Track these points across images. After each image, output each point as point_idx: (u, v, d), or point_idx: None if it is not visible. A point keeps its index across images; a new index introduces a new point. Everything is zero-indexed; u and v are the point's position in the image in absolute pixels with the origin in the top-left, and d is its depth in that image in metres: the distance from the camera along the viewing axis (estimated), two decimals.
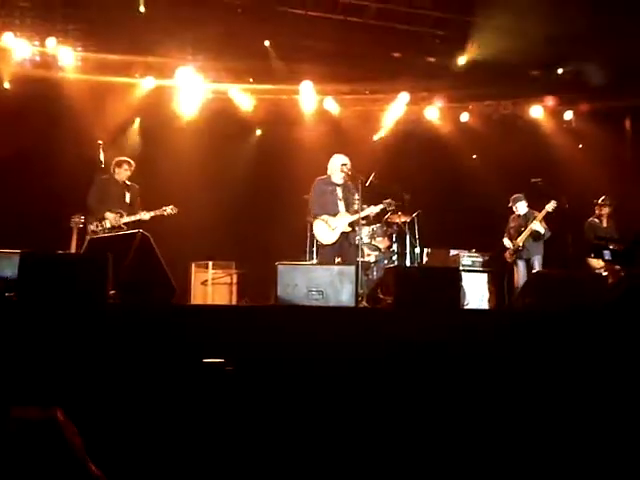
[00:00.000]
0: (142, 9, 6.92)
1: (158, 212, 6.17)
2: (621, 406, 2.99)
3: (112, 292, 3.97)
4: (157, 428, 2.77)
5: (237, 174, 8.27)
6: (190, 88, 8.09)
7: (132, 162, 6.40)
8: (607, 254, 3.69)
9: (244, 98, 8.45)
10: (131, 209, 6.21)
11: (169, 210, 6.20)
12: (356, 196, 6.34)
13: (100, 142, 6.11)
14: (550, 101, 8.93)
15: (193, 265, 7.64)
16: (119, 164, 6.33)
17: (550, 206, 7.09)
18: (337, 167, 6.15)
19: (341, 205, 6.17)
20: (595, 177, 8.21)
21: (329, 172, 6.23)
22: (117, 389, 2.95)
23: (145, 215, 6.13)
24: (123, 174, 6.31)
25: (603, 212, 7.29)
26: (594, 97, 8.51)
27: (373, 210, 6.21)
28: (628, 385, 2.87)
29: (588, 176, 8.28)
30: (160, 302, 4.17)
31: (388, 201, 6.30)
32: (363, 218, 6.14)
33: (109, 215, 6.06)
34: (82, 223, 6.00)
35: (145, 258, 4.38)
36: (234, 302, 7.45)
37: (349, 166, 6.14)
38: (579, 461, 2.94)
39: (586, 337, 3.28)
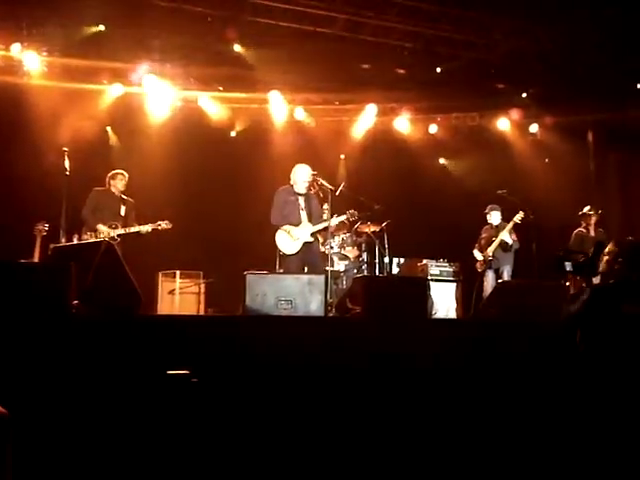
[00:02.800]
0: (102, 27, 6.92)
1: (154, 226, 6.23)
2: (584, 413, 3.05)
3: (76, 302, 3.89)
4: (119, 440, 2.71)
5: (206, 182, 8.22)
6: (159, 96, 8.04)
7: (125, 174, 6.45)
8: (569, 265, 3.76)
9: (214, 106, 8.43)
10: (126, 221, 6.25)
11: (164, 225, 6.27)
12: (325, 206, 6.36)
13: (65, 149, 6.01)
14: (515, 114, 9.13)
15: (160, 274, 7.54)
16: (113, 176, 6.41)
17: (518, 217, 7.21)
18: (300, 178, 6.14)
19: (304, 215, 6.15)
20: (559, 188, 8.42)
21: (292, 182, 6.22)
22: (80, 401, 2.88)
23: (142, 228, 6.19)
24: (118, 186, 6.37)
25: (590, 222, 7.30)
26: (558, 111, 8.74)
27: (335, 220, 6.22)
28: (588, 393, 2.93)
29: (553, 187, 8.49)
30: (125, 312, 4.09)
31: (351, 212, 6.32)
32: (328, 228, 6.16)
33: (102, 227, 6.11)
34: (46, 231, 5.91)
35: (110, 267, 4.29)
36: (201, 312, 7.37)
37: (311, 182, 6.15)
38: (545, 470, 2.98)
39: (547, 347, 3.34)
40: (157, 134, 8.21)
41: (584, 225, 7.33)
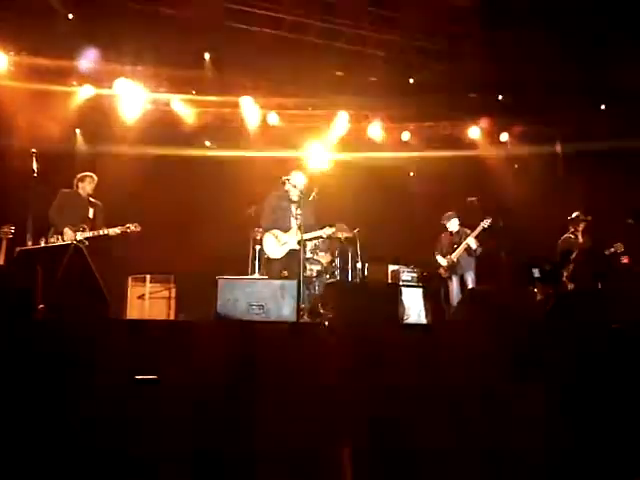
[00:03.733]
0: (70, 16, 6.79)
1: (122, 229, 6.14)
2: (552, 417, 3.10)
3: (41, 306, 3.80)
4: (86, 445, 2.65)
5: (177, 186, 8.14)
6: (130, 98, 7.94)
7: (94, 176, 6.37)
8: (536, 272, 3.84)
9: (186, 110, 8.37)
10: (94, 224, 6.16)
11: (132, 228, 6.17)
12: (298, 211, 6.37)
13: (34, 151, 5.90)
14: (484, 123, 9.28)
15: (130, 279, 7.43)
16: (82, 179, 6.31)
17: (485, 223, 7.32)
18: (296, 184, 6.13)
19: (294, 222, 6.15)
20: (528, 196, 8.58)
21: (287, 188, 6.20)
22: (45, 406, 2.81)
23: (109, 231, 6.09)
24: (86, 189, 6.28)
25: (579, 228, 7.32)
26: (527, 121, 8.93)
27: (325, 233, 6.24)
28: (555, 398, 2.98)
29: (522, 194, 8.65)
30: (92, 317, 4.01)
31: (340, 225, 6.36)
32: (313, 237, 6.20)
33: (68, 230, 6.01)
34: (12, 234, 5.78)
35: (78, 271, 4.22)
36: (172, 317, 7.28)
37: (303, 190, 6.17)
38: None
39: (516, 352, 3.39)
40: (128, 136, 8.10)
41: (572, 230, 7.41)
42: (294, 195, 6.15)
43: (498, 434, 3.07)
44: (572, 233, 7.35)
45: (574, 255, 3.78)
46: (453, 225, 7.64)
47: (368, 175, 9.06)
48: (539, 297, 3.95)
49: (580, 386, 2.89)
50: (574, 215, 7.43)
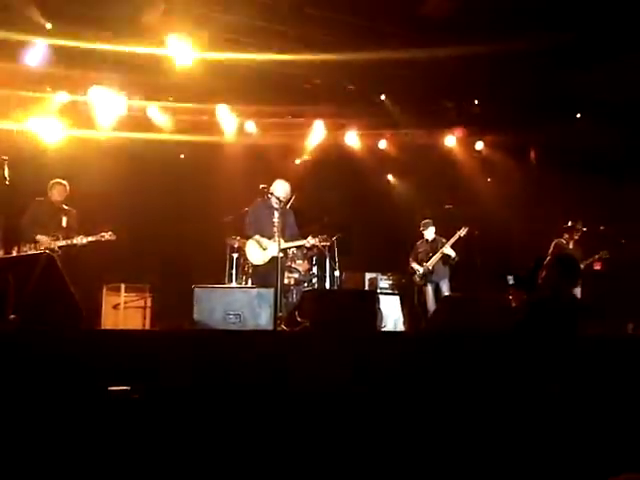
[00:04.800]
0: (49, 26, 6.69)
1: (96, 237, 6.07)
2: (525, 422, 3.13)
3: (12, 316, 3.73)
4: (57, 459, 2.60)
5: (154, 194, 8.07)
6: (106, 105, 7.85)
7: (66, 184, 6.31)
8: (511, 279, 3.89)
9: (163, 117, 8.30)
10: (68, 233, 6.08)
11: (107, 236, 6.11)
12: (288, 222, 6.36)
13: (5, 158, 5.80)
14: (459, 132, 9.40)
15: (104, 288, 7.33)
16: (52, 186, 6.27)
17: (462, 232, 7.41)
18: (279, 193, 6.13)
19: (276, 229, 6.17)
20: (503, 203, 8.70)
21: (269, 196, 6.20)
22: (16, 420, 2.75)
23: (83, 240, 6.03)
24: (58, 196, 6.22)
25: (574, 236, 7.48)
26: (501, 130, 9.06)
27: (307, 243, 6.25)
28: (528, 403, 3.01)
29: (497, 202, 8.76)
30: (65, 327, 3.94)
31: (324, 237, 6.37)
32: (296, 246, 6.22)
33: (41, 238, 5.94)
34: None
35: (50, 280, 4.14)
36: (148, 327, 7.20)
37: (286, 199, 6.18)
38: None
39: (493, 358, 3.42)
40: (104, 144, 8.01)
41: (566, 237, 7.51)
42: (275, 203, 6.16)
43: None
44: (565, 239, 7.47)
45: (546, 261, 3.83)
46: (430, 233, 7.72)
47: (347, 183, 9.10)
48: (514, 304, 4.01)
49: (547, 389, 2.93)
50: (570, 224, 7.56)
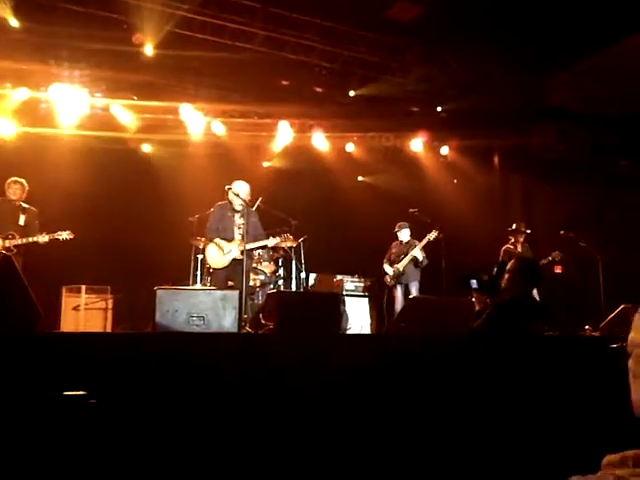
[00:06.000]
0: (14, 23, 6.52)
1: (52, 236, 5.92)
2: (488, 424, 3.17)
3: None
4: (8, 467, 2.51)
5: (116, 193, 7.93)
6: (67, 101, 7.68)
7: (24, 182, 6.16)
8: (474, 283, 3.95)
9: (127, 115, 8.17)
10: (26, 232, 5.92)
11: (65, 235, 5.96)
12: (251, 223, 6.31)
13: None
14: (424, 136, 9.50)
15: (64, 289, 7.15)
16: (9, 185, 6.12)
17: (432, 235, 7.48)
18: (239, 193, 6.07)
19: (237, 232, 6.11)
20: (468, 207, 8.83)
21: (230, 197, 6.14)
22: None
23: (40, 239, 5.87)
24: (14, 195, 6.08)
25: (519, 239, 7.62)
26: (466, 135, 9.20)
27: (270, 243, 6.22)
28: (490, 406, 3.05)
29: (462, 206, 8.89)
30: (22, 329, 3.82)
31: (286, 235, 6.34)
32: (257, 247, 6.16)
33: None
34: None
35: (6, 281, 4.01)
36: (109, 329, 7.05)
37: (247, 200, 6.12)
38: None
39: (454, 360, 3.46)
40: (65, 141, 7.84)
41: (512, 241, 7.65)
42: (237, 205, 6.11)
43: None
44: (512, 244, 7.60)
45: (509, 265, 3.89)
46: (404, 235, 7.77)
47: (314, 184, 9.10)
48: (477, 307, 4.07)
49: (511, 393, 2.97)
50: (514, 227, 7.69)
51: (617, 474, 0.84)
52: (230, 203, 6.17)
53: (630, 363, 0.98)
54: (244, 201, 6.02)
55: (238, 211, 6.13)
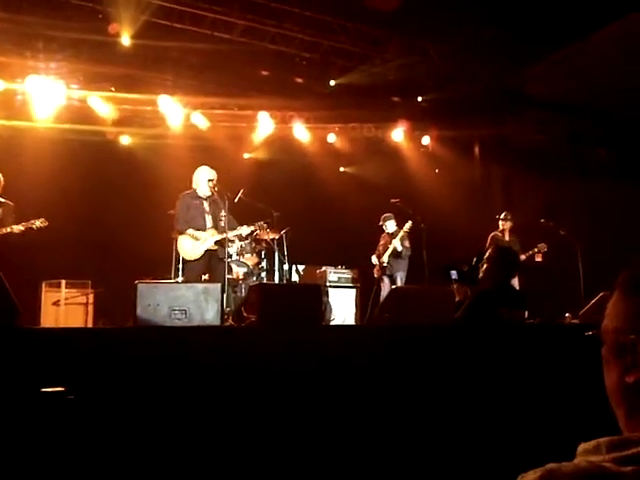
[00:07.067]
0: None
1: (26, 225, 5.77)
2: (472, 415, 3.20)
3: None
4: None
5: (96, 186, 7.83)
6: (44, 93, 7.54)
7: (0, 175, 5.99)
8: (454, 274, 3.98)
9: (105, 107, 8.04)
10: (2, 225, 5.79)
11: (38, 223, 5.82)
12: (222, 213, 6.24)
13: None
14: (405, 126, 9.51)
15: (43, 284, 7.05)
16: None
17: (407, 226, 7.53)
18: (203, 180, 5.99)
19: (208, 219, 6.00)
20: (449, 197, 8.87)
21: (194, 185, 6.06)
22: None
23: (15, 228, 5.74)
24: None
25: (505, 227, 7.68)
26: (446, 125, 9.23)
27: (244, 231, 6.15)
28: (473, 396, 3.09)
29: (443, 196, 8.93)
30: (1, 325, 3.77)
31: (260, 223, 6.28)
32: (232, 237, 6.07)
33: None
34: None
35: None
36: (90, 324, 6.99)
37: (215, 181, 6.01)
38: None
39: (436, 350, 3.49)
40: (43, 134, 7.71)
41: (500, 229, 7.72)
42: (202, 192, 6.00)
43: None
44: (500, 232, 7.69)
45: (487, 254, 3.93)
46: (390, 227, 7.81)
47: (296, 176, 9.07)
48: (457, 297, 4.10)
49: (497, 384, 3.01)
50: (501, 216, 7.77)
51: (591, 460, 0.85)
52: (195, 191, 6.05)
53: (603, 351, 1.00)
54: (211, 187, 5.90)
55: (206, 198, 6.02)
